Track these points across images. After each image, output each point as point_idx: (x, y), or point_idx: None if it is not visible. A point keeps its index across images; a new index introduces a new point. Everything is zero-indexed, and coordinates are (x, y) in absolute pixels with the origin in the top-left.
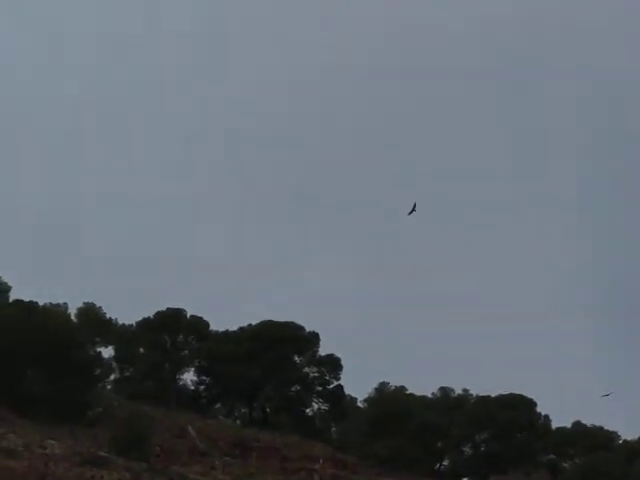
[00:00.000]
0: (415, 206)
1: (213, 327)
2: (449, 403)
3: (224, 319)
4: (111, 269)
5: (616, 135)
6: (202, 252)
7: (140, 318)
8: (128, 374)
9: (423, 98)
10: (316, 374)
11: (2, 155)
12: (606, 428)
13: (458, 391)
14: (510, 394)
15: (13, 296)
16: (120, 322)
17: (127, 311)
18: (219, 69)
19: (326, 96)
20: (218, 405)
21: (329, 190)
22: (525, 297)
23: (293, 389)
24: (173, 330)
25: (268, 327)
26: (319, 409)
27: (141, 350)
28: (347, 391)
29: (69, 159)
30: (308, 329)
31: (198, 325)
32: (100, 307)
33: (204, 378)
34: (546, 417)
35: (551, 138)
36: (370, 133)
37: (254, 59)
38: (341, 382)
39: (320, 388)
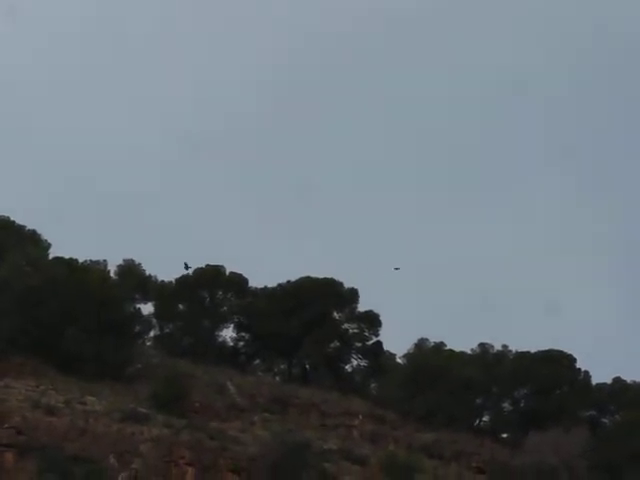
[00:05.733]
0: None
1: (252, 284)
2: (488, 359)
3: (263, 276)
4: (150, 227)
5: None
6: (236, 212)
7: (179, 275)
8: (168, 330)
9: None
10: (355, 330)
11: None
12: None
13: (497, 347)
14: (549, 350)
15: (53, 253)
16: (159, 279)
17: (166, 268)
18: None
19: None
20: (257, 361)
21: None
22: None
23: (332, 345)
24: (212, 286)
25: (307, 283)
26: (358, 365)
27: (180, 307)
28: (386, 347)
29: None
30: (346, 285)
31: (237, 281)
32: (139, 264)
33: (243, 334)
34: (586, 373)
35: None
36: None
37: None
38: (380, 338)
39: (359, 344)
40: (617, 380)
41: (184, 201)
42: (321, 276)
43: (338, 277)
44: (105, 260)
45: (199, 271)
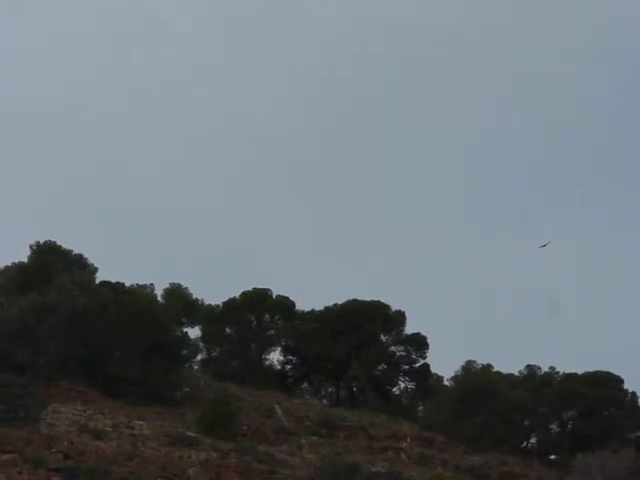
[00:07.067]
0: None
1: (299, 307)
2: (536, 381)
3: (310, 299)
4: (197, 250)
5: None
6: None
7: (226, 298)
8: (215, 354)
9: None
10: (402, 353)
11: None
12: None
13: (545, 369)
14: (597, 371)
15: (99, 277)
16: (206, 302)
17: (213, 291)
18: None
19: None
20: (304, 384)
21: None
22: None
23: (380, 368)
24: (259, 310)
25: (354, 306)
26: (406, 388)
27: (227, 330)
28: (433, 370)
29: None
30: (394, 308)
31: (284, 305)
32: (186, 288)
33: (290, 357)
34: (633, 394)
35: None
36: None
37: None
38: (427, 361)
39: (406, 367)
40: None
41: (228, 225)
42: (368, 299)
43: (385, 300)
44: (152, 284)
45: (245, 294)
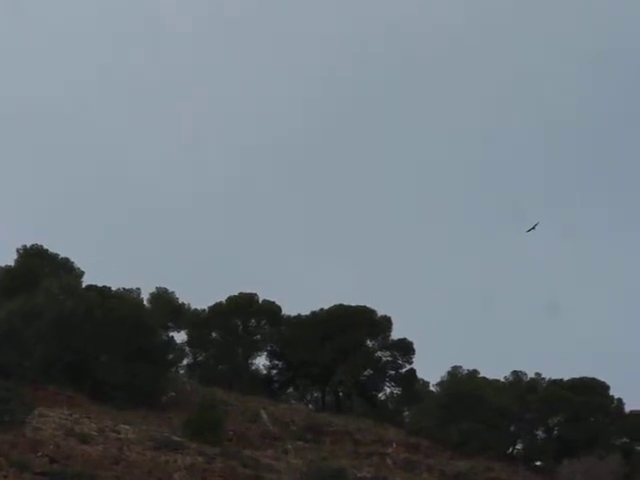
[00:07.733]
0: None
1: (285, 311)
2: (521, 387)
3: (296, 303)
4: (183, 254)
5: None
6: (269, 240)
7: (212, 303)
8: (201, 359)
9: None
10: (388, 358)
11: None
12: None
13: (531, 375)
14: (583, 378)
15: (86, 281)
16: (192, 307)
17: (199, 296)
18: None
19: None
20: (290, 389)
21: None
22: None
23: (366, 373)
24: (245, 314)
25: (340, 311)
26: (392, 393)
27: (214, 335)
28: (419, 375)
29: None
30: (380, 313)
31: (270, 309)
32: (172, 292)
33: (276, 362)
34: (619, 400)
35: None
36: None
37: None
38: (413, 366)
39: (392, 372)
40: None
41: (215, 229)
42: (354, 304)
43: (371, 305)
44: (138, 288)
45: (232, 299)
